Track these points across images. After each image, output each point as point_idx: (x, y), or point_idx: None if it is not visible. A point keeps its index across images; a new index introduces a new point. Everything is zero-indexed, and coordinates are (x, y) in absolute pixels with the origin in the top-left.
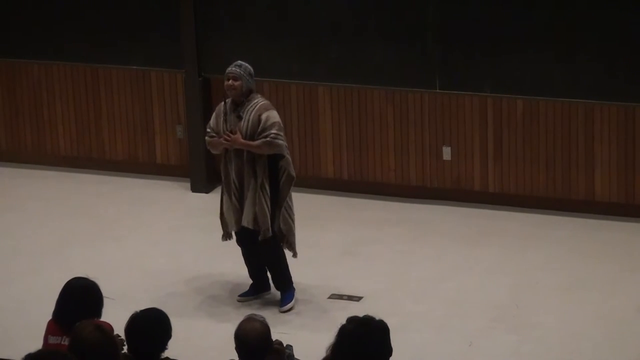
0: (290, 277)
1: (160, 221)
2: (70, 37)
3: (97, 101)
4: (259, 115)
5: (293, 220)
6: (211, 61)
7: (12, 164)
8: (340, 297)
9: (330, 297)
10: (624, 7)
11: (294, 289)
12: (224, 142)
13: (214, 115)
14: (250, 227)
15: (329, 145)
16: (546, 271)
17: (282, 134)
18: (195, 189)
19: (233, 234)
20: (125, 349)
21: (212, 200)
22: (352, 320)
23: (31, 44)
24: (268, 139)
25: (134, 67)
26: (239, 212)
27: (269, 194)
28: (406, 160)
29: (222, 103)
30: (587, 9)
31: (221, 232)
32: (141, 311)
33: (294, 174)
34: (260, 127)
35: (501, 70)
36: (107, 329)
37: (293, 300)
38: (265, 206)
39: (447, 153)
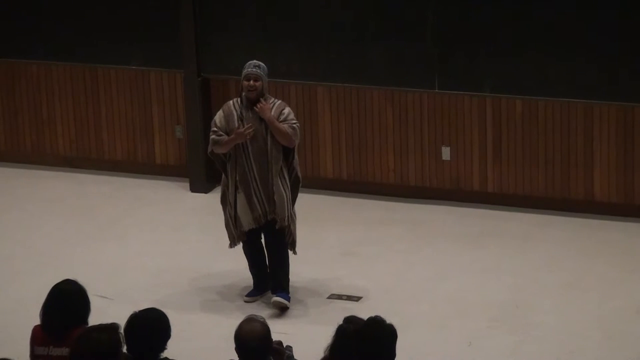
0: (289, 283)
1: (160, 221)
2: (69, 37)
3: (97, 101)
4: (281, 110)
5: (296, 218)
6: (210, 61)
7: (11, 164)
8: (339, 297)
9: (329, 297)
10: (623, 7)
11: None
12: (243, 132)
13: (220, 115)
14: (277, 217)
15: (329, 146)
16: (546, 271)
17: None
18: (194, 189)
19: (242, 236)
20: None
21: (211, 200)
22: (350, 320)
23: (30, 44)
24: (294, 125)
25: (133, 67)
26: (262, 207)
27: (287, 183)
28: (405, 160)
29: (231, 103)
30: (587, 9)
31: (226, 239)
32: (141, 311)
33: (300, 175)
34: (282, 118)
35: (500, 70)
36: (112, 329)
37: (287, 303)
38: (284, 193)
39: (446, 153)
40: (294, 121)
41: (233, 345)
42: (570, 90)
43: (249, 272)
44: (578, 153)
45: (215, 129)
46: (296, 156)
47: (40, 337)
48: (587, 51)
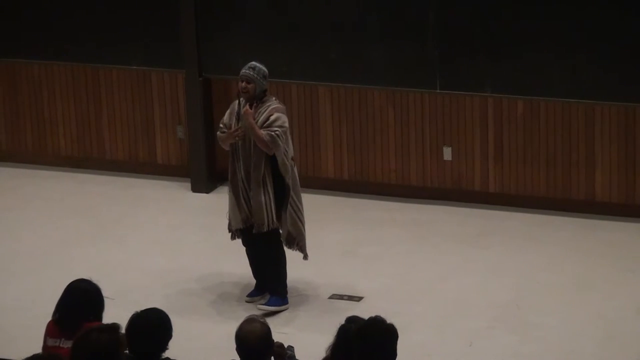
0: (285, 286)
1: (161, 221)
2: (70, 37)
3: (98, 101)
4: (270, 116)
5: (303, 223)
6: (212, 61)
7: (12, 163)
8: (340, 297)
9: (330, 298)
10: (624, 7)
11: (286, 300)
12: (232, 133)
13: (227, 112)
14: (254, 222)
15: (330, 146)
16: (546, 271)
17: (284, 137)
18: (195, 188)
19: (235, 235)
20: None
21: (212, 200)
22: (353, 320)
23: (32, 43)
24: (273, 133)
25: (135, 67)
26: (248, 208)
27: (269, 190)
28: (407, 160)
29: (237, 101)
30: (587, 9)
31: (227, 232)
32: (142, 311)
33: (289, 182)
34: (266, 124)
35: (501, 70)
36: (113, 330)
37: (275, 308)
38: (262, 200)
39: (447, 153)
40: (276, 128)
41: (234, 345)
42: (571, 91)
43: (251, 272)
44: (579, 153)
45: (221, 125)
46: (287, 162)
47: (53, 330)
48: (587, 51)
